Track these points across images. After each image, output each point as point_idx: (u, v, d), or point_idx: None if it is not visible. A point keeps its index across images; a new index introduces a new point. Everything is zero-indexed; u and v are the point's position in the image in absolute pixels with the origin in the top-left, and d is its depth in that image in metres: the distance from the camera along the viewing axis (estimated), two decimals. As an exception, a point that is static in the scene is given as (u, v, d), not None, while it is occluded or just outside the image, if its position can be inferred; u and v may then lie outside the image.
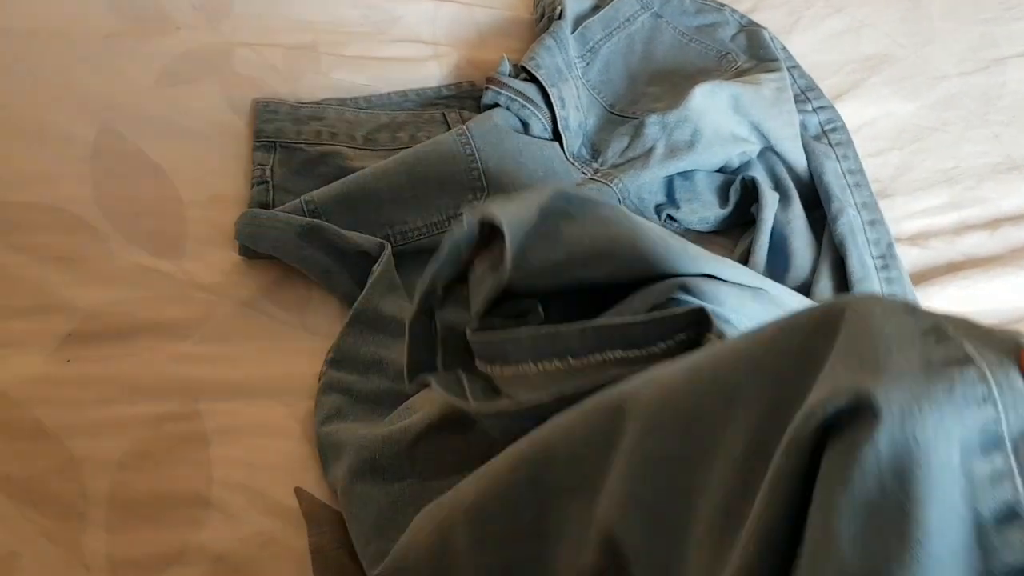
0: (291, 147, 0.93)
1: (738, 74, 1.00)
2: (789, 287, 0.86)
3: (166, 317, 0.81)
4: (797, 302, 0.69)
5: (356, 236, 0.82)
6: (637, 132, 0.91)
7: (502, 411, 0.59)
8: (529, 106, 0.89)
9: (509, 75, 0.93)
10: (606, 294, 0.67)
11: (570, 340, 0.59)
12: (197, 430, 0.75)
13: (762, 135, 0.93)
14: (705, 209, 0.90)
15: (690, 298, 0.61)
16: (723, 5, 1.10)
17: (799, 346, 0.43)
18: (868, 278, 0.84)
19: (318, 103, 0.97)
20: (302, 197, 0.84)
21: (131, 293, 0.83)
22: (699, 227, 0.91)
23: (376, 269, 0.80)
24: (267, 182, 0.90)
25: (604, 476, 0.49)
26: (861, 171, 0.94)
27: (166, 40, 1.00)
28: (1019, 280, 0.88)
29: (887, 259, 0.86)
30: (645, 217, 0.89)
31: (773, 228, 0.88)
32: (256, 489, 0.72)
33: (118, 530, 0.70)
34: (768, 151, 0.94)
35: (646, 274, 0.65)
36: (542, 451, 0.52)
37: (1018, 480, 0.39)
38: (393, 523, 0.65)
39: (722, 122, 0.92)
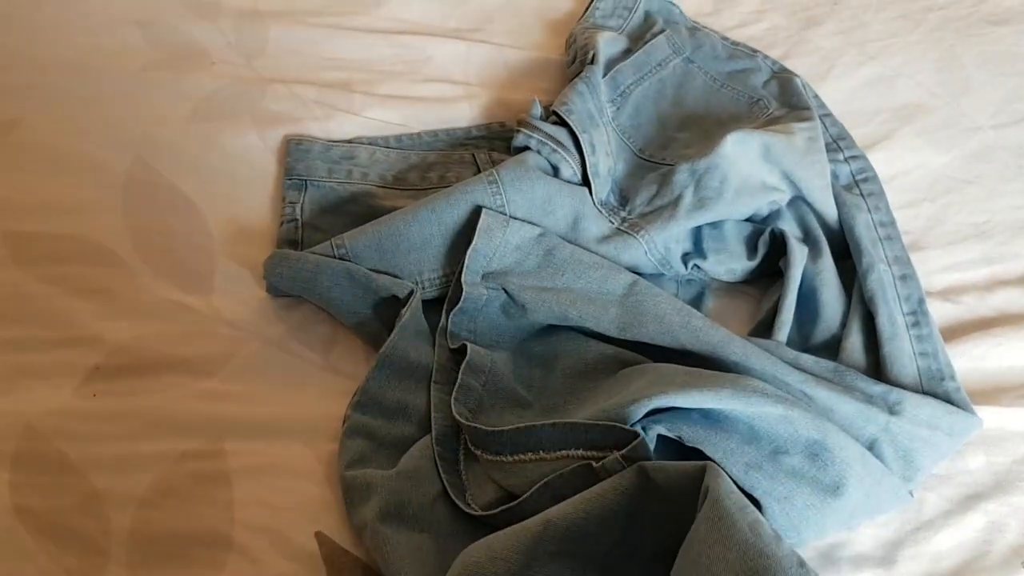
0: (322, 185, 0.93)
1: (770, 122, 0.99)
2: (819, 340, 0.86)
3: (193, 353, 0.82)
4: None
5: (385, 279, 0.82)
6: (666, 180, 0.91)
7: (485, 516, 0.72)
8: (560, 151, 0.89)
9: (540, 118, 0.93)
10: None
11: (542, 436, 0.73)
12: (220, 469, 0.75)
13: (793, 184, 0.93)
14: (733, 260, 0.90)
15: (661, 428, 0.71)
16: (756, 51, 1.10)
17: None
18: (898, 336, 0.83)
19: (349, 142, 0.98)
20: (332, 240, 0.84)
21: (159, 327, 0.83)
22: (726, 277, 0.91)
23: (404, 313, 0.80)
24: (296, 220, 0.91)
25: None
26: (893, 223, 0.93)
27: (201, 75, 1.01)
28: (1052, 338, 0.86)
29: (918, 315, 0.85)
30: (671, 267, 0.88)
31: (803, 280, 0.87)
32: (277, 531, 0.72)
33: (139, 568, 0.70)
34: (799, 200, 0.94)
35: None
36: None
37: None
38: (419, 569, 0.66)
39: (752, 171, 0.91)
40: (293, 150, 0.95)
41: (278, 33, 1.07)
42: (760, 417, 0.70)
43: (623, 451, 0.68)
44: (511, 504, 0.71)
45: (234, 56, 1.04)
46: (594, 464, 0.69)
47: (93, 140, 0.95)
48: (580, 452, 0.71)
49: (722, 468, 0.68)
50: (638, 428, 0.70)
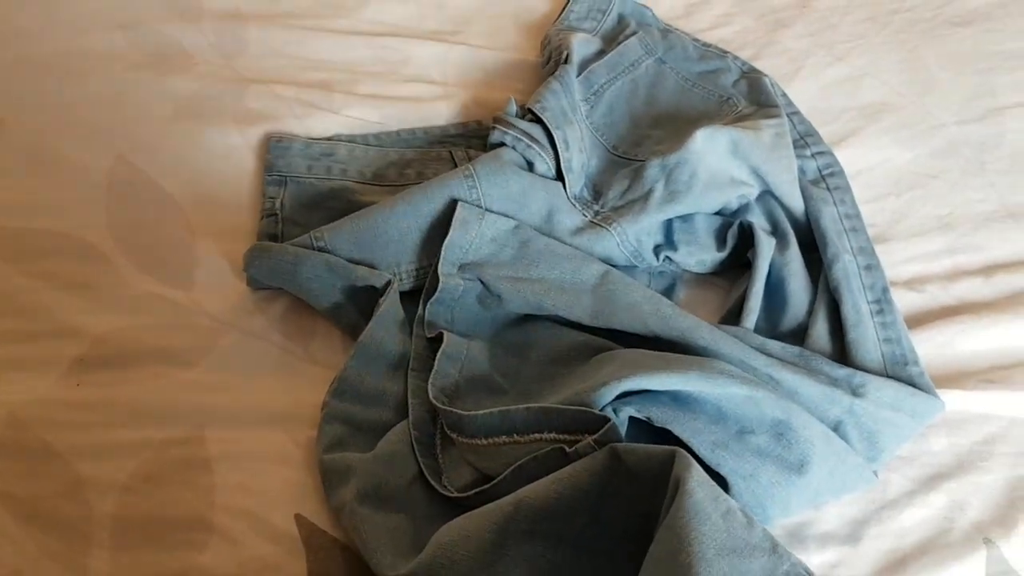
0: (301, 181, 0.95)
1: (739, 119, 1.02)
2: (786, 328, 0.88)
3: (174, 344, 0.83)
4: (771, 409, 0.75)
5: (363, 270, 0.84)
6: (637, 174, 0.93)
7: (460, 498, 0.73)
8: (534, 147, 0.91)
9: (515, 116, 0.95)
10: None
11: (516, 419, 0.74)
12: (201, 455, 0.77)
13: (761, 179, 0.95)
14: (703, 252, 0.92)
15: (631, 410, 0.73)
16: (725, 52, 1.13)
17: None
18: (863, 323, 0.85)
19: (329, 139, 1.00)
20: (311, 232, 0.86)
21: (140, 320, 0.85)
22: (696, 269, 0.93)
23: (382, 303, 0.82)
24: (276, 215, 0.93)
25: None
26: (858, 216, 0.96)
27: (183, 76, 1.03)
28: (1013, 326, 0.89)
29: (882, 303, 0.88)
30: (643, 258, 0.91)
31: (770, 270, 0.89)
32: (257, 514, 0.73)
33: (121, 551, 0.71)
34: (767, 195, 0.96)
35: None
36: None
37: None
38: (396, 548, 0.68)
39: (721, 165, 0.94)
40: (273, 147, 0.97)
41: (259, 34, 1.09)
42: (727, 398, 0.73)
43: (595, 435, 0.70)
44: (486, 486, 0.73)
45: (215, 57, 1.06)
46: (567, 449, 0.70)
47: (76, 139, 0.97)
48: (553, 435, 0.73)
49: (690, 447, 0.71)
50: (609, 410, 0.72)
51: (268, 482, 0.76)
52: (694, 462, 0.64)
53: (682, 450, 0.66)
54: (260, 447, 0.78)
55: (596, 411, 0.71)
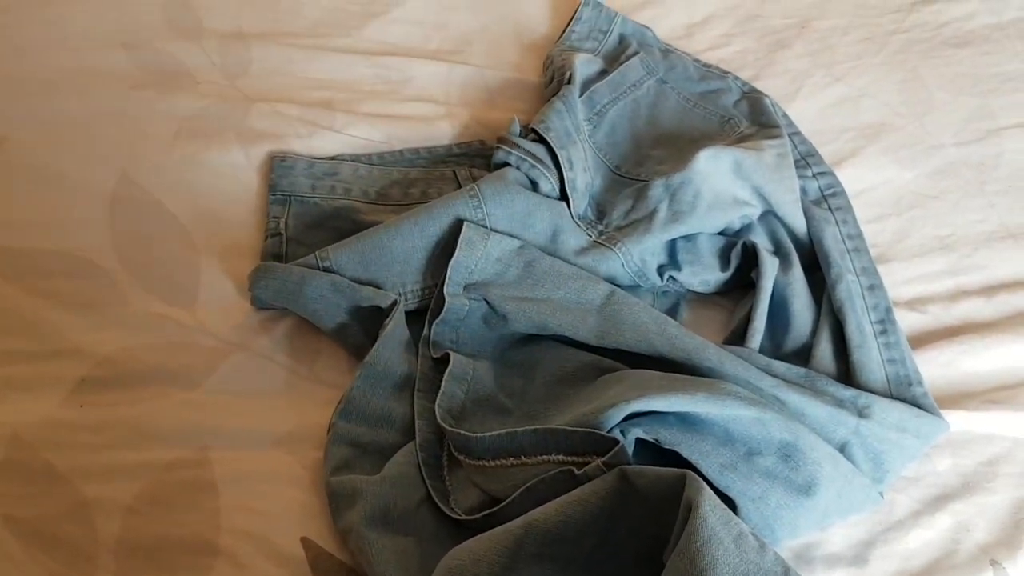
0: (305, 201, 0.95)
1: (740, 139, 1.02)
2: (789, 348, 0.88)
3: (178, 364, 0.83)
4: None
5: (368, 291, 0.84)
6: (641, 194, 0.94)
7: (468, 520, 0.73)
8: (539, 166, 0.92)
9: (519, 135, 0.95)
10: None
11: (523, 441, 0.74)
12: (206, 477, 0.76)
13: (763, 199, 0.96)
14: (706, 272, 0.92)
15: (639, 431, 0.73)
16: (726, 72, 1.13)
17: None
18: (867, 343, 0.85)
19: (332, 159, 1.00)
20: (316, 252, 0.86)
21: (144, 340, 0.84)
22: (700, 289, 0.93)
23: (388, 323, 0.82)
24: (281, 234, 0.92)
25: None
26: (860, 236, 0.96)
27: (186, 95, 1.03)
28: (1016, 346, 0.89)
29: (886, 324, 0.88)
30: (647, 278, 0.91)
31: (774, 290, 0.90)
32: (263, 537, 0.73)
33: (126, 574, 0.71)
34: (769, 214, 0.97)
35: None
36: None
37: None
38: (404, 571, 0.67)
39: (724, 186, 0.94)
40: (277, 167, 0.97)
41: (261, 54, 1.09)
42: (734, 420, 0.73)
43: (604, 458, 0.70)
44: (494, 509, 0.72)
45: (218, 76, 1.06)
46: (576, 471, 0.70)
47: (79, 158, 0.97)
48: (560, 457, 0.73)
49: (698, 469, 0.71)
50: (616, 432, 0.72)
51: (274, 504, 0.75)
52: (705, 485, 0.64)
53: (693, 473, 0.66)
54: (266, 468, 0.77)
55: (604, 433, 0.71)
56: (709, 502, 0.63)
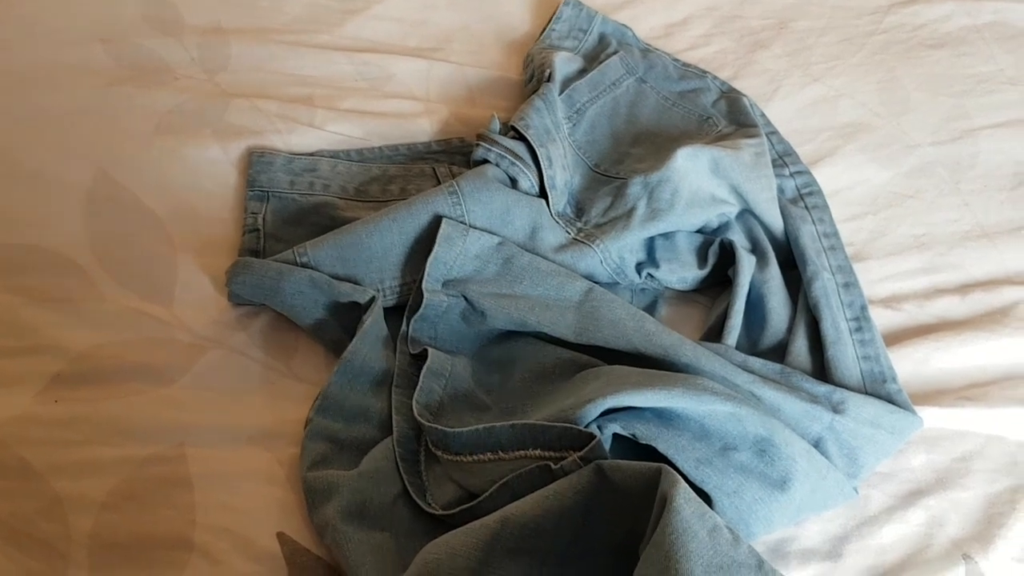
0: (284, 197, 0.95)
1: (719, 138, 1.03)
2: (766, 345, 0.89)
3: (154, 360, 0.83)
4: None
5: (346, 286, 0.84)
6: (620, 192, 0.94)
7: (445, 515, 0.73)
8: (518, 164, 0.92)
9: (499, 133, 0.95)
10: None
11: (501, 436, 0.74)
12: (181, 473, 0.76)
13: (741, 197, 0.96)
14: (684, 269, 0.93)
15: (616, 426, 0.73)
16: (705, 72, 1.14)
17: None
18: (842, 340, 0.86)
19: (311, 155, 1.00)
20: (295, 248, 0.86)
21: (120, 336, 0.84)
22: (678, 286, 0.94)
23: (366, 319, 0.82)
24: (259, 230, 0.92)
25: None
26: (836, 234, 0.97)
27: (164, 90, 1.03)
28: (989, 343, 0.90)
29: (861, 321, 0.89)
30: (625, 275, 0.91)
31: (751, 288, 0.90)
32: (239, 533, 0.73)
33: (100, 571, 0.70)
34: (747, 213, 0.97)
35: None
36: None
37: None
38: (380, 566, 0.67)
39: (702, 184, 0.95)
40: (256, 162, 0.96)
41: (240, 49, 1.09)
42: (710, 415, 0.73)
43: (581, 452, 0.70)
44: (470, 504, 0.72)
45: (197, 71, 1.06)
46: (552, 466, 0.71)
47: (55, 153, 0.96)
48: (538, 452, 0.73)
49: (674, 464, 0.71)
50: (593, 427, 0.72)
51: (250, 500, 0.75)
52: (680, 479, 0.64)
53: (668, 467, 0.66)
54: (242, 465, 0.77)
55: (581, 428, 0.71)
56: (684, 495, 0.63)
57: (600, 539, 0.69)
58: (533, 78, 1.08)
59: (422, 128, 1.06)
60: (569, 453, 0.71)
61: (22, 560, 0.70)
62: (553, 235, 0.91)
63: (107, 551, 0.71)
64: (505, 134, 0.95)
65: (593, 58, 1.13)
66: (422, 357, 0.82)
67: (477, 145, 0.93)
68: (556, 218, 0.92)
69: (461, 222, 0.87)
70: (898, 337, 0.91)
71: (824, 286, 0.90)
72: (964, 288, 0.96)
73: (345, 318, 0.84)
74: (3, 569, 0.69)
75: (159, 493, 0.75)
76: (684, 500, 0.63)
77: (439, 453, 0.76)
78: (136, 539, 0.72)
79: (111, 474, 0.75)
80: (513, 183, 0.93)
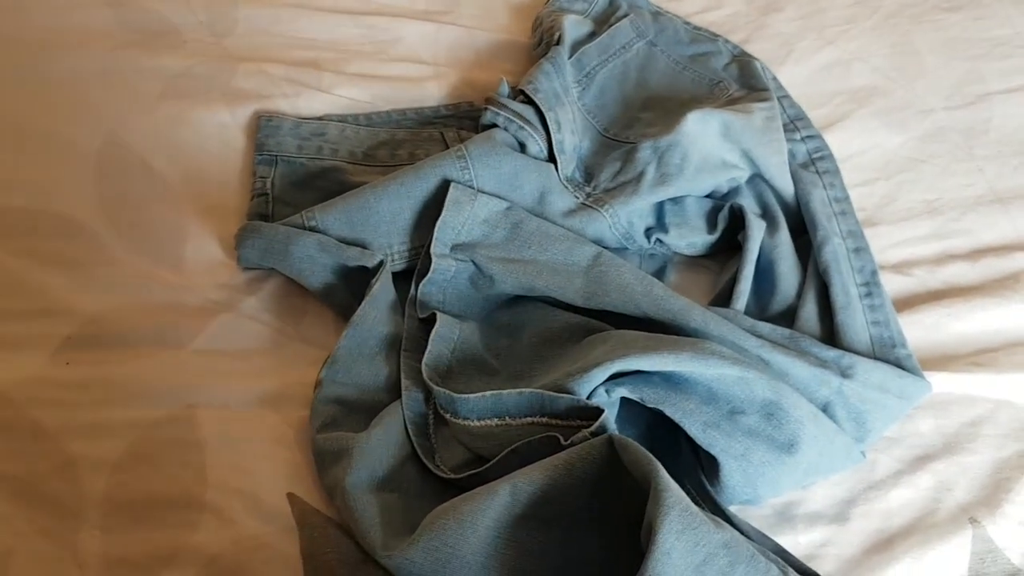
0: (292, 161, 0.95)
1: (730, 102, 1.02)
2: (775, 310, 0.89)
3: (164, 324, 0.83)
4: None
5: (355, 251, 0.83)
6: (629, 156, 0.94)
7: (453, 479, 0.74)
8: (527, 128, 0.91)
9: (507, 97, 0.95)
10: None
11: (509, 403, 0.73)
12: (193, 435, 0.77)
13: (752, 162, 0.95)
14: (693, 234, 0.92)
15: (623, 390, 0.73)
16: (716, 36, 1.13)
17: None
18: (851, 305, 0.86)
19: (319, 119, 0.99)
20: (303, 212, 0.86)
21: (131, 299, 0.84)
22: (687, 251, 0.94)
23: (374, 283, 0.82)
24: (267, 194, 0.92)
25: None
26: (847, 199, 0.96)
27: (172, 54, 1.02)
28: (1000, 310, 0.90)
29: (871, 287, 0.88)
30: (634, 240, 0.91)
31: (761, 252, 0.90)
32: (250, 493, 0.74)
33: (113, 530, 0.71)
34: (757, 177, 0.97)
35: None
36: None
37: None
38: (389, 527, 0.68)
39: (712, 148, 0.94)
40: (264, 126, 0.96)
41: (248, 13, 1.08)
42: (718, 379, 0.73)
43: (591, 428, 0.69)
44: (479, 469, 0.73)
45: (205, 35, 1.05)
46: (562, 440, 0.70)
47: (64, 118, 0.96)
48: (545, 419, 0.73)
49: (682, 427, 0.71)
50: (601, 391, 0.73)
51: (260, 462, 0.76)
52: (671, 493, 0.61)
53: (660, 483, 0.62)
54: (252, 427, 0.78)
55: (588, 402, 0.71)
56: (672, 525, 0.60)
57: (612, 510, 0.69)
58: (542, 42, 1.07)
59: (430, 92, 1.05)
60: (577, 423, 0.71)
61: (35, 519, 0.71)
62: (562, 200, 0.91)
63: (120, 511, 0.72)
64: (514, 98, 0.95)
65: (603, 21, 1.12)
66: (431, 321, 0.83)
67: (486, 109, 0.93)
68: (565, 183, 0.92)
69: (469, 186, 0.87)
70: (908, 303, 0.90)
71: (834, 251, 0.89)
72: (975, 254, 0.95)
73: (354, 282, 0.84)
74: (16, 527, 0.70)
75: (171, 454, 0.75)
76: (676, 532, 0.60)
77: (447, 416, 0.77)
78: (148, 499, 0.73)
79: (123, 435, 0.76)
80: (522, 147, 0.92)
